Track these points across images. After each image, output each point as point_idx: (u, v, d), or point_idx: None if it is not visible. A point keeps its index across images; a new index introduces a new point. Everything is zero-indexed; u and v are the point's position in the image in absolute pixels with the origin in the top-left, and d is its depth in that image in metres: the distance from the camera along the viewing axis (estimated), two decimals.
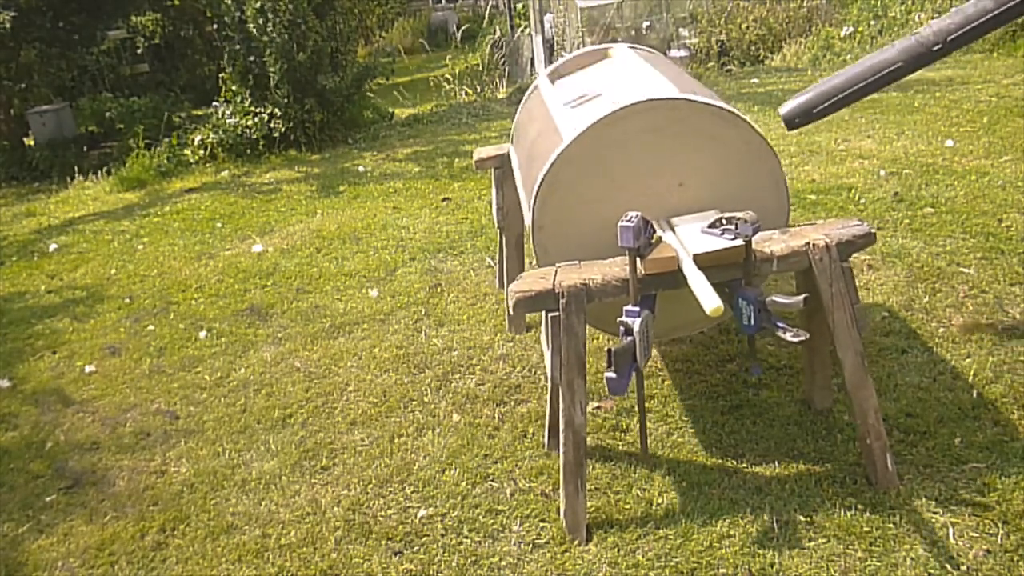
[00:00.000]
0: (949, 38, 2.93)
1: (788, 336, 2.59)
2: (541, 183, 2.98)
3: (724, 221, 2.72)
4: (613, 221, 2.64)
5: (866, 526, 2.65)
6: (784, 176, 3.05)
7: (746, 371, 3.55)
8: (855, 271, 4.19)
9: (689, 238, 2.78)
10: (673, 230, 2.89)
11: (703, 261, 2.66)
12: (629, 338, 2.59)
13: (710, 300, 2.50)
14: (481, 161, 4.10)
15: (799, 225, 2.94)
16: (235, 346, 4.57)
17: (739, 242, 2.67)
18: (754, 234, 2.65)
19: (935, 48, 2.95)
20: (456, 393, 3.75)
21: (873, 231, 2.79)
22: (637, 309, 2.63)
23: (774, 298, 2.62)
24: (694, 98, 2.98)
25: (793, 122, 3.22)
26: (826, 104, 3.15)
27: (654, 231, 2.77)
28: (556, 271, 2.80)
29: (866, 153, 6.04)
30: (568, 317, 2.70)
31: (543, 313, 2.83)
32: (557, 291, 2.69)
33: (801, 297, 2.63)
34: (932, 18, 9.63)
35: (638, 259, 2.67)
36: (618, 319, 2.63)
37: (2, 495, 3.55)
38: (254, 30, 8.80)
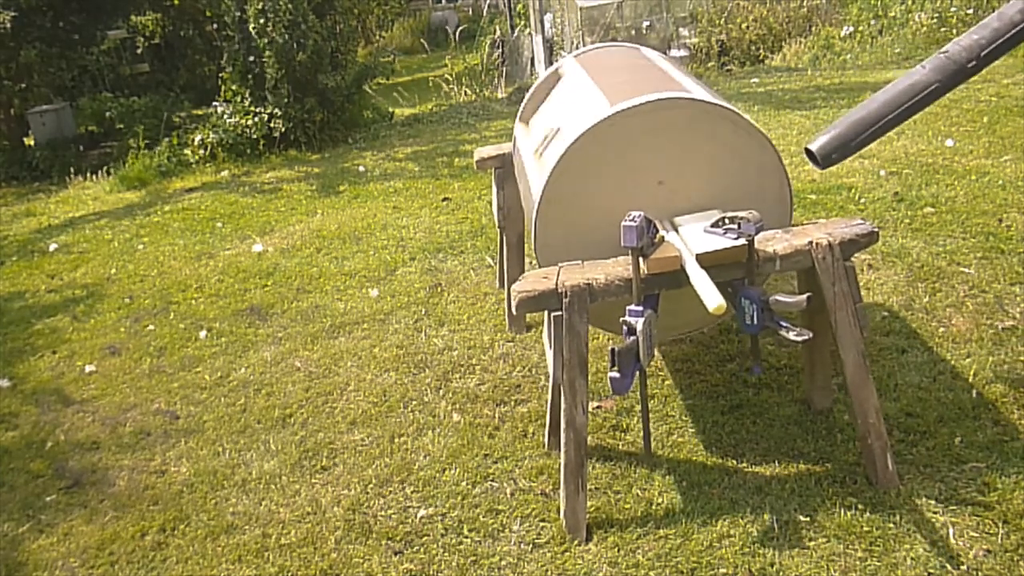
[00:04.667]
0: (983, 53, 2.87)
1: (792, 335, 2.59)
2: (546, 184, 2.99)
3: (727, 220, 2.72)
4: (615, 222, 2.64)
5: (866, 526, 2.65)
6: (785, 172, 3.05)
7: (746, 371, 3.55)
8: (855, 271, 4.20)
9: (692, 237, 2.78)
10: (676, 230, 2.89)
11: (706, 260, 2.66)
12: (632, 337, 2.59)
13: (713, 298, 2.50)
14: (482, 161, 4.10)
15: (802, 224, 2.93)
16: (235, 346, 4.57)
17: (742, 241, 2.67)
18: (757, 233, 2.65)
19: (970, 65, 2.88)
20: (456, 393, 3.75)
21: (876, 230, 2.79)
22: (640, 308, 2.63)
23: (777, 297, 2.62)
24: (672, 95, 2.97)
25: (830, 159, 2.91)
26: (865, 135, 2.92)
27: (657, 231, 2.77)
28: (559, 271, 2.80)
29: (866, 153, 6.03)
30: (571, 317, 2.70)
31: (545, 313, 2.83)
32: (560, 291, 2.69)
33: (804, 296, 2.62)
34: (932, 18, 9.63)
35: (641, 259, 2.67)
36: (621, 319, 2.63)
37: (2, 495, 3.56)
38: (254, 30, 8.81)
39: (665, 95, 2.98)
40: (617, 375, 2.55)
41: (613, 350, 2.53)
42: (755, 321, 2.66)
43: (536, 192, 3.03)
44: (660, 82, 3.24)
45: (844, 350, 2.74)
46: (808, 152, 2.92)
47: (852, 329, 2.72)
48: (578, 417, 2.75)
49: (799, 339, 2.60)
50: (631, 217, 2.59)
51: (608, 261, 2.83)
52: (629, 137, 2.93)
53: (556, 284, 2.71)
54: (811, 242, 2.72)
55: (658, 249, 2.72)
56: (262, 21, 8.73)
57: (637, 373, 2.66)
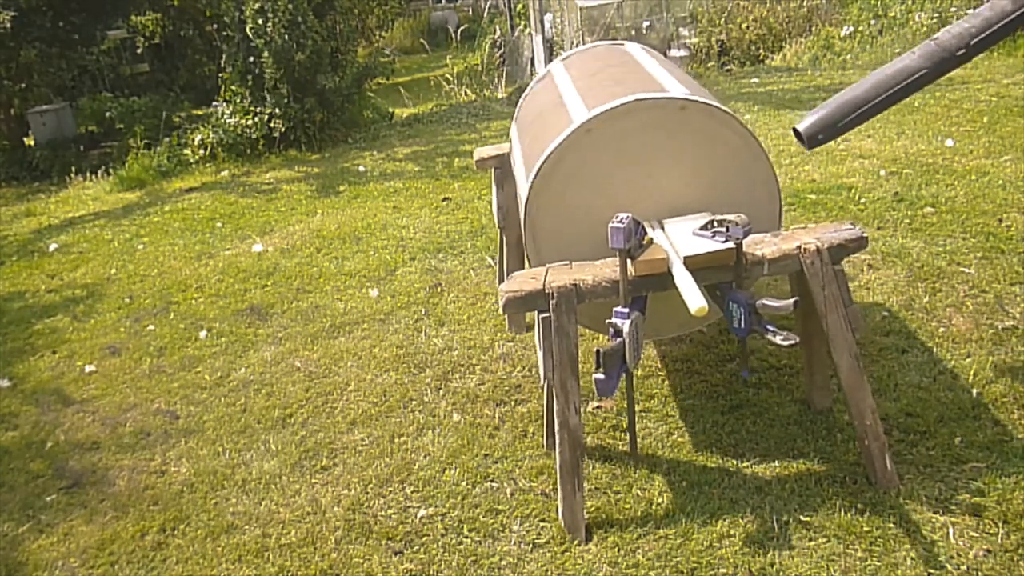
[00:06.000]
0: (973, 42, 2.87)
1: (778, 340, 2.58)
2: (532, 186, 2.99)
3: (715, 223, 2.72)
4: (605, 222, 2.64)
5: (866, 526, 2.65)
6: (775, 174, 3.04)
7: (739, 373, 3.55)
8: (855, 271, 4.20)
9: (680, 240, 2.77)
10: (664, 231, 2.89)
11: (693, 263, 2.66)
12: (619, 339, 2.58)
13: (695, 300, 2.50)
14: (482, 161, 4.10)
15: (791, 228, 2.93)
16: (235, 346, 4.57)
17: (730, 245, 2.66)
18: (745, 237, 2.65)
19: (959, 53, 2.88)
20: (456, 393, 3.75)
21: (865, 235, 2.77)
22: (627, 311, 2.62)
23: (764, 301, 2.61)
24: (659, 95, 2.97)
25: (816, 139, 2.95)
26: (851, 117, 2.91)
27: (645, 233, 2.76)
28: (547, 271, 2.79)
29: (866, 153, 6.04)
30: (559, 318, 2.69)
31: (536, 314, 2.83)
32: (547, 291, 2.69)
33: (791, 300, 2.62)
34: (932, 18, 9.63)
35: (628, 260, 2.67)
36: (607, 320, 2.63)
37: (2, 495, 3.56)
38: (252, 30, 8.80)
39: (651, 95, 2.97)
40: (602, 376, 2.54)
41: (598, 351, 2.53)
42: (743, 325, 2.66)
43: (524, 194, 3.03)
44: (648, 82, 3.23)
45: (837, 353, 2.74)
46: (796, 132, 2.95)
47: (844, 332, 2.72)
48: (571, 417, 2.74)
49: (786, 344, 2.58)
50: (618, 219, 2.58)
51: (596, 262, 2.83)
52: (615, 138, 2.92)
53: (543, 285, 2.70)
54: (799, 246, 2.72)
55: (646, 251, 2.71)
56: (260, 21, 8.73)
57: (624, 375, 2.66)
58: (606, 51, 4.06)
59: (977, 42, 2.87)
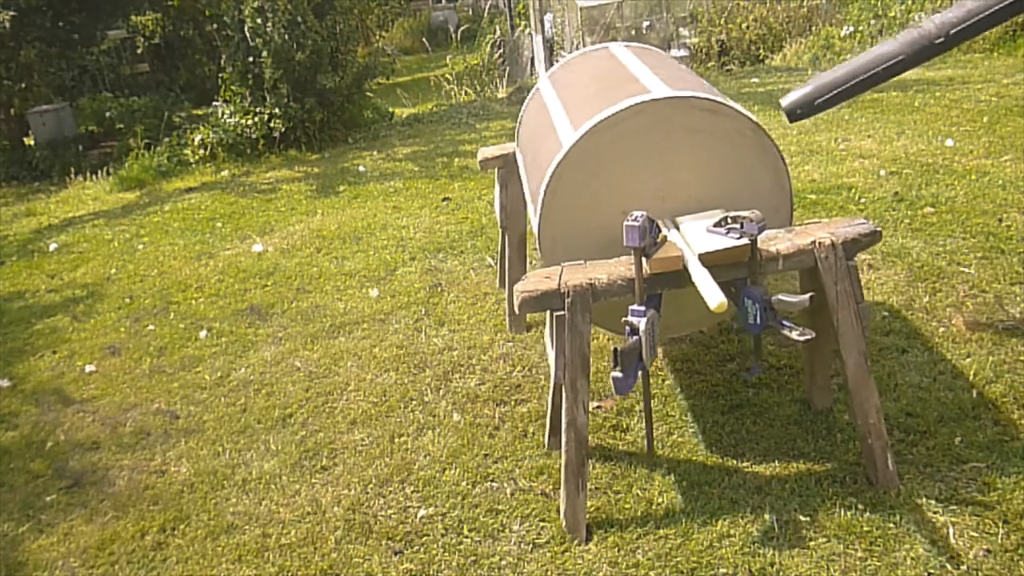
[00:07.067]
0: (952, 31, 2.90)
1: (794, 335, 2.59)
2: (545, 190, 2.98)
3: (729, 220, 2.72)
4: (619, 221, 2.64)
5: (866, 526, 2.65)
6: (788, 174, 3.05)
7: (746, 371, 3.54)
8: None
9: (695, 237, 2.77)
10: (679, 229, 2.89)
11: (708, 260, 2.66)
12: (635, 337, 2.59)
13: (714, 296, 2.50)
14: (485, 161, 4.10)
15: (804, 224, 2.93)
16: (235, 346, 4.57)
17: (744, 241, 2.66)
18: (759, 233, 2.65)
19: (938, 41, 2.92)
20: (456, 393, 3.75)
21: (878, 230, 2.78)
22: (643, 308, 2.63)
23: (780, 297, 2.61)
24: (678, 94, 2.97)
25: (795, 114, 3.15)
26: (829, 96, 3.10)
27: (659, 230, 2.77)
28: (562, 271, 2.79)
29: (866, 153, 6.04)
30: (573, 317, 2.69)
31: (548, 313, 2.83)
32: (563, 291, 2.69)
33: (807, 296, 2.62)
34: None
35: (644, 258, 2.67)
36: (623, 319, 2.63)
37: (2, 495, 3.56)
38: (250, 30, 8.80)
39: (668, 94, 2.97)
40: (620, 375, 2.55)
41: (616, 350, 2.53)
42: (758, 321, 2.66)
43: (540, 191, 3.03)
44: (667, 81, 3.24)
45: (846, 350, 2.74)
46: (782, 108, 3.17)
47: (854, 329, 2.72)
48: (579, 417, 2.75)
49: (802, 339, 2.59)
50: (633, 217, 2.59)
51: (611, 261, 2.83)
52: (630, 136, 2.93)
53: (559, 284, 2.71)
54: (814, 241, 2.72)
55: (660, 249, 2.72)
56: (259, 21, 8.73)
57: (640, 373, 2.66)
58: (644, 51, 4.06)
59: (956, 32, 2.91)
